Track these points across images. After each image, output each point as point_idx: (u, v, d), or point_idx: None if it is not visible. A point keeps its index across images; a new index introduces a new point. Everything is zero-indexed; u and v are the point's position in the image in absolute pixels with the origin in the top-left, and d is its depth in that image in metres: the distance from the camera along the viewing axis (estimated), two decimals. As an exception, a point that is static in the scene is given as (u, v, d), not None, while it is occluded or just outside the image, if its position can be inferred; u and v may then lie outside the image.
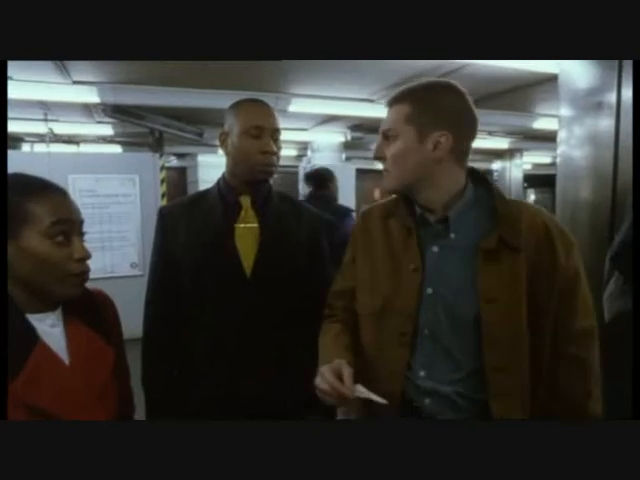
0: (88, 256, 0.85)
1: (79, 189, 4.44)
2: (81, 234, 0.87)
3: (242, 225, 1.22)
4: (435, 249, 0.98)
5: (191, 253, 1.20)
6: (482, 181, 1.03)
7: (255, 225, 1.23)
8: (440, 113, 0.94)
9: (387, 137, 0.98)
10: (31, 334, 0.79)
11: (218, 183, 1.28)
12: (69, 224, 0.83)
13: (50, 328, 0.83)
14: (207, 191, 1.30)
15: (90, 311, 0.91)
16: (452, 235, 0.98)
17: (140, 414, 1.05)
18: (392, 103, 0.99)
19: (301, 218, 1.30)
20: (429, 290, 0.97)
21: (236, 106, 1.24)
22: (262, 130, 1.18)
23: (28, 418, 0.75)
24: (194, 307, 1.23)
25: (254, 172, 1.20)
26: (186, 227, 1.23)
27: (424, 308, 0.97)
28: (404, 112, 0.96)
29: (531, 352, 0.94)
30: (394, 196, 1.09)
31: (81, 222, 0.87)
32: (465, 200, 0.99)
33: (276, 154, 1.21)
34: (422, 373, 0.98)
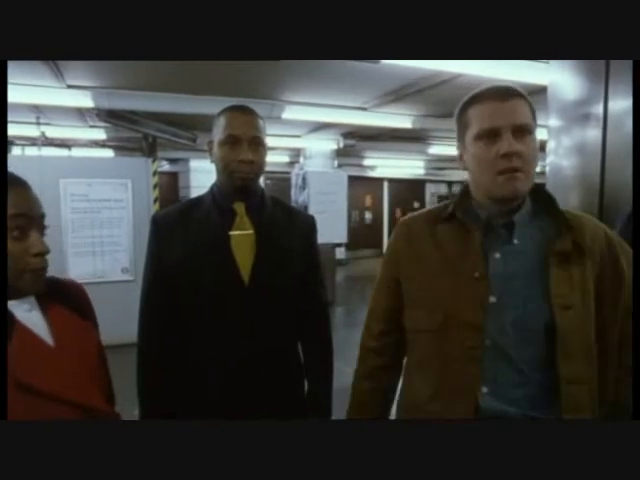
0: (46, 251, 0.83)
1: (71, 193, 4.42)
2: (42, 228, 0.85)
3: (238, 232, 1.22)
4: (497, 255, 0.93)
5: (188, 262, 1.19)
6: (539, 190, 1.00)
7: (250, 232, 1.22)
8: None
9: (520, 131, 0.89)
10: (9, 317, 0.78)
11: (212, 190, 1.28)
12: (26, 218, 0.81)
13: (27, 313, 0.83)
14: (200, 198, 1.30)
15: (67, 296, 0.91)
16: (515, 241, 0.94)
17: (121, 406, 1.03)
18: (511, 96, 0.91)
19: (294, 222, 1.31)
20: (492, 299, 0.91)
21: (218, 115, 1.24)
22: (238, 139, 1.18)
23: (25, 398, 0.75)
24: (191, 317, 1.22)
25: (233, 180, 1.20)
26: (181, 235, 1.22)
27: (487, 318, 0.91)
28: (527, 107, 0.92)
29: (598, 366, 0.90)
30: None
31: (42, 216, 0.85)
32: (527, 206, 0.97)
33: (254, 162, 1.20)
34: (485, 389, 0.90)
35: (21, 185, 0.83)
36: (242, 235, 1.22)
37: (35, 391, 0.76)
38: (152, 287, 1.25)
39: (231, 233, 1.21)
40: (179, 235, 1.22)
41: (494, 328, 0.90)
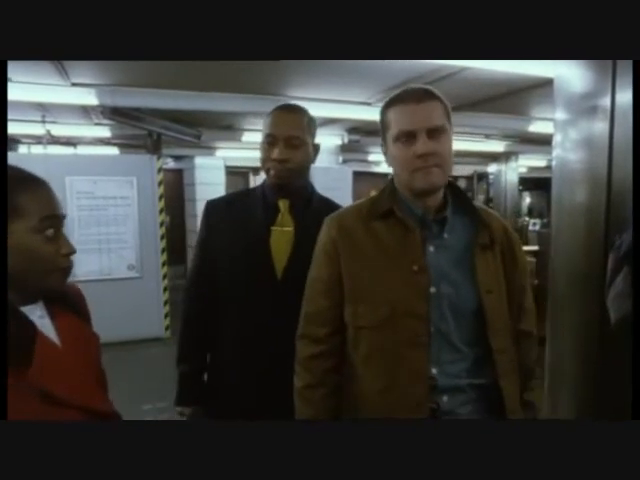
0: (74, 251, 0.85)
1: (77, 191, 4.44)
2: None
3: (278, 228, 1.27)
4: (431, 249, 1.02)
5: (228, 250, 1.27)
6: (455, 187, 1.09)
7: (290, 229, 1.27)
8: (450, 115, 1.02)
9: (434, 132, 0.97)
10: (31, 324, 0.79)
11: (262, 184, 1.34)
12: (56, 219, 0.84)
13: (39, 319, 0.83)
14: (252, 190, 1.37)
15: (70, 300, 0.92)
16: (445, 235, 1.04)
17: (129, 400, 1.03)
18: (426, 99, 0.98)
19: None
20: (432, 289, 1.00)
21: (268, 114, 1.30)
22: (275, 138, 1.23)
23: (41, 405, 0.75)
24: (224, 303, 1.28)
25: (269, 178, 1.27)
26: (228, 224, 1.29)
27: (430, 307, 1.00)
28: (441, 109, 0.99)
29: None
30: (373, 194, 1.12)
31: (64, 217, 0.87)
32: (450, 202, 1.06)
33: (288, 161, 1.24)
34: (434, 371, 0.99)
35: (45, 185, 0.84)
36: (282, 231, 1.27)
37: (56, 400, 0.77)
38: (198, 270, 1.34)
39: (272, 228, 1.27)
40: (226, 223, 1.30)
41: (436, 315, 1.00)
